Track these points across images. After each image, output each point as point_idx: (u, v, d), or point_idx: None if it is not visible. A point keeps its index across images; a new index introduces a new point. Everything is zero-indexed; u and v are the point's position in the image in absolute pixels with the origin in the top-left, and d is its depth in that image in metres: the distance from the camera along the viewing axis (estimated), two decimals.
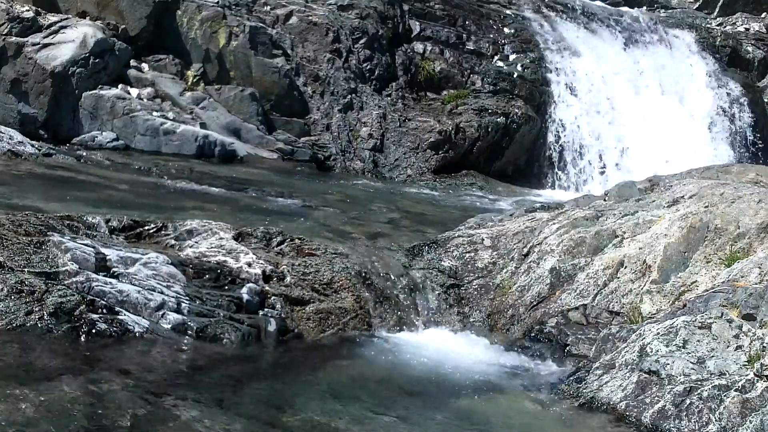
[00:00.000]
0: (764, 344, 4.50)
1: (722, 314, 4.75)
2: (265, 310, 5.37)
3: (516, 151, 12.11)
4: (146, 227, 5.79)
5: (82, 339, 4.66)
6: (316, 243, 6.05)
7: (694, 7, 17.22)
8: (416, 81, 12.04)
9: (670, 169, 7.93)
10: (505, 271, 6.20)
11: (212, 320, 5.09)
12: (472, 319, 5.96)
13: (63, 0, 10.85)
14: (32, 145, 8.71)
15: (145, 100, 10.22)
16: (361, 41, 11.75)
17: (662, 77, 13.52)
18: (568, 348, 5.51)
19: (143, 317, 4.93)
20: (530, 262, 6.17)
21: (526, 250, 6.28)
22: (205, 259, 5.54)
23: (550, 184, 12.06)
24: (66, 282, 4.87)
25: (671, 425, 4.30)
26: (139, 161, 9.17)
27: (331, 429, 4.08)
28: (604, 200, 6.90)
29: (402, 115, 11.53)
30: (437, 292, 6.02)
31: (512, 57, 12.56)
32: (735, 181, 6.76)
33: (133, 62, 10.60)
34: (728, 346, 4.58)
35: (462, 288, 6.14)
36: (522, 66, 12.49)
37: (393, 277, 5.95)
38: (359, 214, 7.88)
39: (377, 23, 11.99)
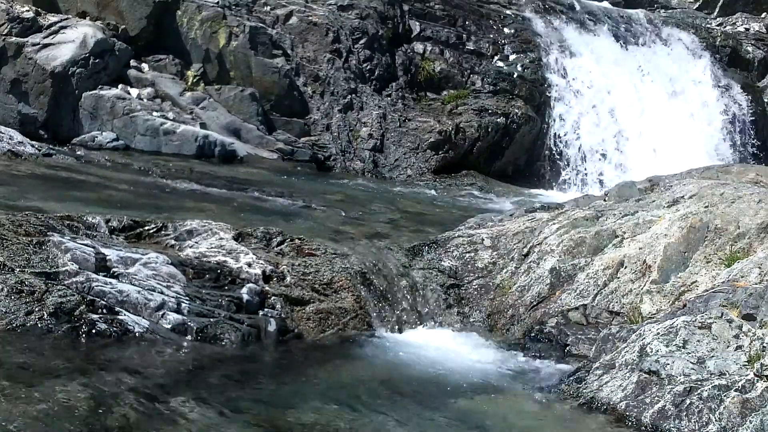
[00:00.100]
0: (764, 344, 4.50)
1: (722, 314, 4.75)
2: (265, 310, 5.37)
3: (516, 151, 12.11)
4: (146, 227, 5.79)
5: (82, 339, 4.66)
6: (316, 243, 6.05)
7: (694, 7, 17.22)
8: (416, 81, 12.03)
9: (670, 169, 7.92)
10: (505, 271, 6.21)
11: (212, 320, 5.09)
12: (472, 319, 5.96)
13: (63, 0, 10.85)
14: (32, 145, 8.71)
15: (145, 100, 10.22)
16: (361, 41, 11.76)
17: (662, 77, 13.52)
18: (568, 348, 5.51)
19: (143, 317, 4.93)
20: (530, 262, 6.17)
21: (526, 250, 6.28)
22: (205, 259, 5.54)
23: (549, 184, 12.06)
24: (66, 282, 4.87)
25: (671, 425, 4.30)
26: (139, 161, 9.17)
27: (331, 429, 4.08)
28: (604, 200, 6.90)
29: (402, 115, 11.53)
30: (437, 292, 6.02)
31: (512, 57, 12.56)
32: (735, 181, 6.76)
33: (133, 62, 10.60)
34: (728, 346, 4.58)
35: (462, 288, 6.14)
36: (522, 66, 12.48)
37: (393, 277, 5.95)
38: (359, 214, 7.88)
39: (377, 23, 11.99)
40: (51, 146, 9.02)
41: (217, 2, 11.15)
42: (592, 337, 5.44)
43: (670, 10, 16.81)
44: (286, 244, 5.96)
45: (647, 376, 4.58)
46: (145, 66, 10.72)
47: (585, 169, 12.26)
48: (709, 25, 15.75)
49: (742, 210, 5.96)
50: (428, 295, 5.98)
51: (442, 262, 6.27)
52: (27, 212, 5.46)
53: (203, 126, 10.21)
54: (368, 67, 11.70)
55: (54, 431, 3.59)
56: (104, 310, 4.84)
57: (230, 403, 4.21)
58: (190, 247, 5.65)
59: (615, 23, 14.12)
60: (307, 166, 10.47)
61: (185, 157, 9.67)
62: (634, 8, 15.54)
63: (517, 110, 12.07)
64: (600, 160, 12.34)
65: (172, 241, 5.72)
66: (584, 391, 4.72)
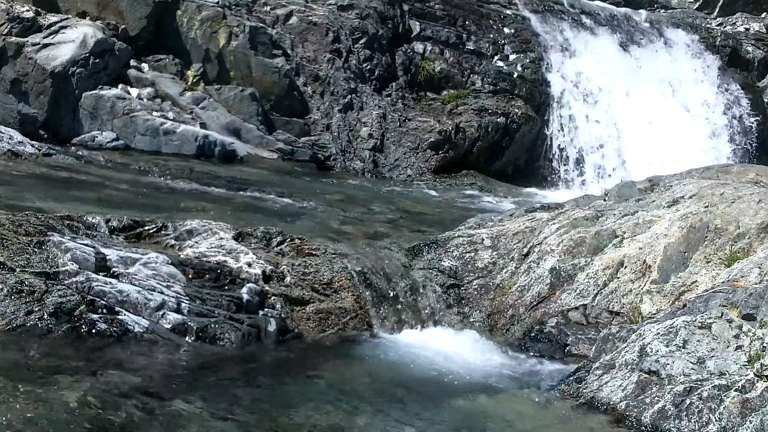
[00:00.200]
0: (764, 344, 4.50)
1: (722, 314, 4.75)
2: (265, 310, 5.37)
3: (516, 151, 12.11)
4: (146, 227, 5.79)
5: (82, 339, 4.66)
6: (316, 243, 6.05)
7: (694, 7, 17.22)
8: (416, 81, 12.03)
9: (670, 169, 7.92)
10: (505, 271, 6.21)
11: (212, 320, 5.09)
12: (472, 319, 5.96)
13: (63, 0, 10.85)
14: (32, 145, 8.71)
15: (145, 100, 10.22)
16: (361, 41, 11.76)
17: (662, 77, 13.52)
18: (568, 348, 5.51)
19: (143, 317, 4.93)
20: (530, 262, 6.17)
21: (526, 250, 6.28)
22: (205, 259, 5.54)
23: (549, 184, 12.06)
24: (66, 282, 4.87)
25: (671, 425, 4.30)
26: (139, 161, 9.17)
27: (331, 429, 4.08)
28: (604, 200, 6.90)
29: (402, 115, 11.53)
30: (437, 292, 6.02)
31: (512, 57, 12.57)
32: (735, 181, 6.76)
33: (133, 62, 10.60)
34: (728, 346, 4.58)
35: (462, 288, 6.14)
36: (522, 66, 12.49)
37: (393, 277, 5.95)
38: (359, 214, 7.88)
39: (377, 23, 11.99)
40: (51, 146, 9.02)
41: (217, 2, 11.14)
42: (592, 337, 5.44)
43: (670, 10, 16.81)
44: (286, 244, 5.96)
45: (647, 376, 4.58)
46: (145, 66, 10.72)
47: (585, 169, 12.26)
48: (709, 25, 15.75)
49: (742, 210, 5.96)
50: (428, 295, 5.98)
51: (442, 262, 6.27)
52: (27, 212, 5.46)
53: (203, 126, 10.21)
54: (368, 67, 11.70)
55: (54, 431, 3.59)
56: (104, 310, 4.84)
57: (230, 403, 4.21)
58: (190, 247, 5.65)
59: (615, 23, 14.12)
60: (307, 166, 10.47)
61: (185, 157, 9.67)
62: (634, 8, 15.54)
63: (517, 110, 12.07)
64: (600, 160, 12.34)
65: (172, 241, 5.72)
66: (584, 391, 4.72)
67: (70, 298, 4.79)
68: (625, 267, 5.89)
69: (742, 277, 5.35)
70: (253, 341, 5.12)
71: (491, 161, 11.90)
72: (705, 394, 4.34)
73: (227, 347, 4.99)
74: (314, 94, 11.30)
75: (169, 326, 4.96)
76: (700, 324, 4.72)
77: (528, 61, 12.59)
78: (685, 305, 5.22)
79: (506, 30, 12.87)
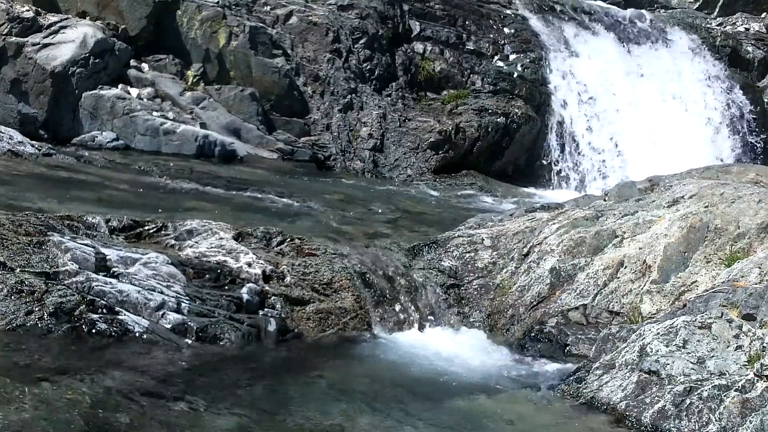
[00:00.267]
0: (764, 344, 4.50)
1: (722, 314, 4.75)
2: (265, 310, 5.37)
3: (516, 151, 12.11)
4: (146, 227, 5.79)
5: (82, 339, 4.65)
6: (316, 243, 6.05)
7: (694, 7, 17.21)
8: (416, 81, 12.03)
9: (670, 169, 7.92)
10: (505, 271, 6.21)
11: (212, 320, 5.09)
12: (472, 319, 5.96)
13: (63, 0, 10.85)
14: (32, 145, 8.71)
15: (145, 100, 10.22)
16: (361, 41, 11.75)
17: (662, 77, 13.51)
18: (568, 348, 5.51)
19: (143, 317, 4.93)
20: (530, 262, 6.17)
21: (526, 250, 6.28)
22: (205, 259, 5.54)
23: (550, 184, 12.06)
24: (66, 282, 4.87)
25: (671, 425, 4.30)
26: (139, 161, 9.17)
27: (331, 429, 4.08)
28: (604, 200, 6.90)
29: (402, 115, 11.53)
30: (437, 292, 6.02)
31: (512, 57, 12.56)
32: (735, 181, 6.76)
33: (133, 62, 10.60)
34: (728, 346, 4.58)
35: (462, 288, 6.14)
36: (522, 66, 12.48)
37: (393, 277, 5.95)
38: (359, 214, 7.88)
39: (377, 23, 11.99)
40: (51, 146, 9.03)
41: (217, 2, 11.14)
42: (592, 337, 5.44)
43: (670, 10, 16.80)
44: (286, 244, 5.96)
45: (647, 376, 4.58)
46: (145, 66, 10.72)
47: (585, 169, 12.26)
48: (709, 25, 15.75)
49: (742, 210, 5.96)
50: (428, 296, 5.98)
51: (442, 262, 6.27)
52: (27, 212, 5.46)
53: (203, 126, 10.22)
54: (368, 67, 11.70)
55: (54, 431, 3.59)
56: (104, 310, 4.84)
57: (230, 403, 4.21)
58: (190, 247, 5.65)
59: (615, 23, 14.12)
60: (307, 166, 10.47)
61: (185, 157, 9.67)
62: (634, 8, 15.54)
63: (517, 110, 12.07)
64: (600, 159, 12.34)
65: (172, 241, 5.72)
66: (584, 391, 4.72)
67: (70, 298, 4.79)
68: (625, 267, 5.89)
69: (742, 277, 5.35)
70: (253, 341, 5.12)
71: (491, 161, 11.90)
72: (705, 394, 4.34)
73: (227, 347, 4.99)
74: (314, 94, 11.30)
75: (169, 326, 4.96)
76: (700, 324, 4.72)
77: (528, 61, 12.59)
78: (685, 305, 5.22)
79: (506, 30, 12.87)
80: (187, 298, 5.15)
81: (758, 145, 13.83)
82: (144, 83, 10.44)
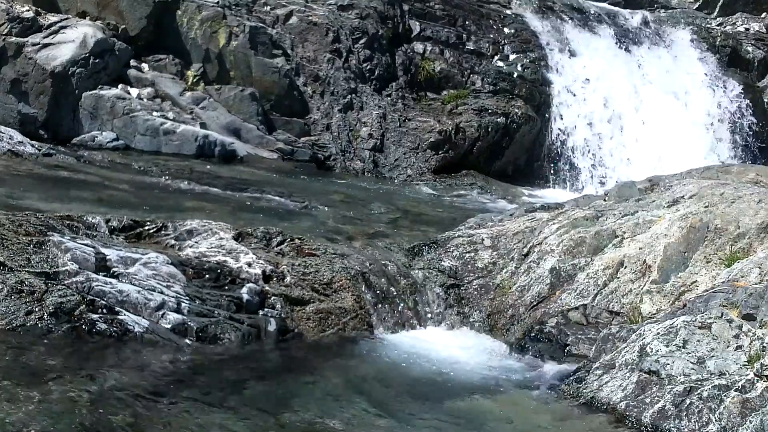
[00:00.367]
0: (764, 344, 4.50)
1: (722, 314, 4.75)
2: (265, 310, 5.37)
3: (516, 151, 12.11)
4: (146, 227, 5.79)
5: (82, 339, 4.65)
6: (316, 243, 6.05)
7: (694, 7, 17.21)
8: (416, 81, 12.03)
9: (670, 169, 7.92)
10: (505, 271, 6.21)
11: (212, 320, 5.09)
12: (472, 319, 5.96)
13: (63, 0, 10.85)
14: (32, 145, 8.71)
15: (145, 100, 10.22)
16: (361, 41, 11.76)
17: (662, 77, 13.51)
18: (568, 348, 5.51)
19: (143, 317, 4.93)
20: (530, 262, 6.17)
21: (526, 250, 6.28)
22: (205, 259, 5.54)
23: (550, 184, 12.06)
24: (66, 282, 4.87)
25: (671, 425, 4.30)
26: (139, 161, 9.17)
27: (331, 429, 4.08)
28: (604, 200, 6.90)
29: (402, 115, 11.53)
30: (437, 292, 6.02)
31: (512, 57, 12.57)
32: (735, 181, 6.76)
33: (133, 62, 10.60)
34: (728, 346, 4.58)
35: (462, 288, 6.14)
36: (522, 66, 12.48)
37: (393, 277, 5.95)
38: (359, 214, 7.88)
39: (377, 23, 11.99)
40: (51, 146, 9.02)
41: (217, 2, 11.14)
42: (592, 337, 5.44)
43: (670, 10, 16.80)
44: (286, 244, 5.96)
45: (647, 376, 4.58)
46: (145, 66, 10.72)
47: (585, 169, 12.26)
48: (709, 25, 15.74)
49: (742, 210, 5.96)
50: (428, 295, 5.98)
51: (442, 262, 6.27)
52: (27, 212, 5.46)
53: (203, 126, 10.22)
54: (368, 67, 11.70)
55: (54, 431, 3.59)
56: (104, 310, 4.84)
57: (230, 403, 4.21)
58: (190, 247, 5.65)
59: (615, 23, 14.12)
60: (307, 166, 10.47)
61: (185, 157, 9.67)
62: (633, 8, 15.54)
63: (517, 110, 12.07)
64: (600, 159, 12.34)
65: (172, 241, 5.72)
66: (584, 391, 4.72)
67: (70, 298, 4.79)
68: (625, 267, 5.89)
69: (742, 277, 5.35)
70: (253, 341, 5.12)
71: (491, 161, 11.90)
72: (705, 394, 4.34)
73: (227, 347, 4.99)
74: (314, 94, 11.30)
75: (169, 326, 4.96)
76: (700, 324, 4.72)
77: (528, 61, 12.59)
78: (685, 305, 5.22)
79: (506, 30, 12.87)
80: (187, 298, 5.15)
81: (758, 144, 13.83)
82: (144, 83, 10.44)
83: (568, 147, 12.31)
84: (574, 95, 12.59)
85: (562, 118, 12.40)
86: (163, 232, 5.80)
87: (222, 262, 5.54)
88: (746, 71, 14.72)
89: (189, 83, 10.78)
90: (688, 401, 4.34)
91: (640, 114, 12.83)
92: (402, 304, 5.82)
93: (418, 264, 6.22)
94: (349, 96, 11.40)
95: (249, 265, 5.57)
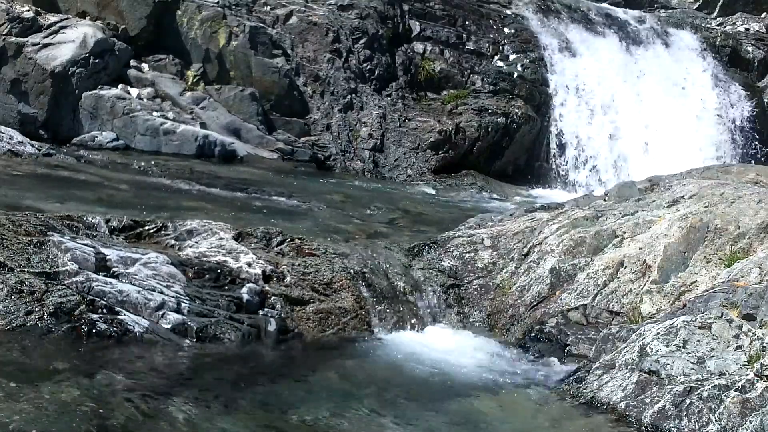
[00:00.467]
0: (764, 344, 4.50)
1: (722, 314, 4.75)
2: (265, 310, 5.37)
3: (516, 151, 12.11)
4: (146, 227, 5.79)
5: (82, 339, 4.66)
6: (316, 243, 6.05)
7: (694, 7, 17.22)
8: (416, 81, 12.04)
9: (670, 169, 7.92)
10: (505, 271, 6.21)
11: (212, 320, 5.09)
12: (472, 319, 5.96)
13: (63, 0, 10.85)
14: (32, 145, 8.71)
15: (145, 100, 10.22)
16: (361, 41, 11.76)
17: (662, 77, 13.52)
18: (568, 348, 5.51)
19: (143, 317, 4.93)
20: (530, 262, 6.17)
21: (526, 250, 6.28)
22: (205, 259, 5.54)
23: (549, 184, 12.06)
24: (66, 282, 4.87)
25: (671, 425, 4.30)
26: (139, 161, 9.17)
27: (331, 429, 4.08)
28: (604, 200, 6.90)
29: (402, 115, 11.53)
30: (437, 292, 6.02)
31: (512, 57, 12.57)
32: (735, 181, 6.76)
33: (133, 62, 10.60)
34: (728, 346, 4.58)
35: (462, 288, 6.14)
36: (522, 66, 12.49)
37: (393, 277, 5.95)
38: (359, 214, 7.88)
39: (377, 23, 11.99)
40: (51, 146, 9.02)
41: (217, 2, 11.15)
42: (592, 337, 5.44)
43: (670, 10, 16.80)
44: (286, 244, 5.96)
45: (647, 376, 4.58)
46: (145, 66, 10.73)
47: (585, 169, 12.26)
48: (709, 25, 15.75)
49: (742, 210, 5.96)
50: (428, 295, 5.98)
51: (442, 262, 6.27)
52: (27, 212, 5.46)
53: (203, 126, 10.22)
54: (368, 67, 11.70)
55: (54, 431, 3.59)
56: (104, 310, 4.84)
57: (230, 403, 4.21)
58: (190, 247, 5.65)
59: (615, 23, 14.12)
60: (307, 166, 10.47)
61: (185, 157, 9.67)
62: (633, 8, 15.54)
63: (517, 110, 12.08)
64: (600, 160, 12.35)
65: (172, 241, 5.72)
66: (584, 391, 4.72)
67: (70, 298, 4.79)
68: (625, 267, 5.89)
69: (742, 277, 5.35)
70: (253, 341, 5.12)
71: (491, 161, 11.91)
72: (705, 394, 4.34)
73: (227, 347, 4.99)
74: (314, 94, 11.30)
75: (169, 326, 4.96)
76: (700, 324, 4.72)
77: (528, 61, 12.59)
78: (685, 305, 5.22)
79: (506, 30, 12.87)
80: (187, 298, 5.15)
81: (758, 145, 13.83)
82: (144, 83, 10.44)
83: (568, 147, 12.31)
84: (574, 95, 12.59)
85: (561, 118, 12.40)
86: (163, 232, 5.80)
87: (222, 262, 5.54)
88: (746, 71, 14.73)
89: (189, 83, 10.79)
90: (688, 401, 4.34)
91: (640, 114, 12.83)
92: (402, 304, 5.81)
93: (418, 264, 6.22)
94: (349, 96, 11.40)
95: (249, 265, 5.57)
